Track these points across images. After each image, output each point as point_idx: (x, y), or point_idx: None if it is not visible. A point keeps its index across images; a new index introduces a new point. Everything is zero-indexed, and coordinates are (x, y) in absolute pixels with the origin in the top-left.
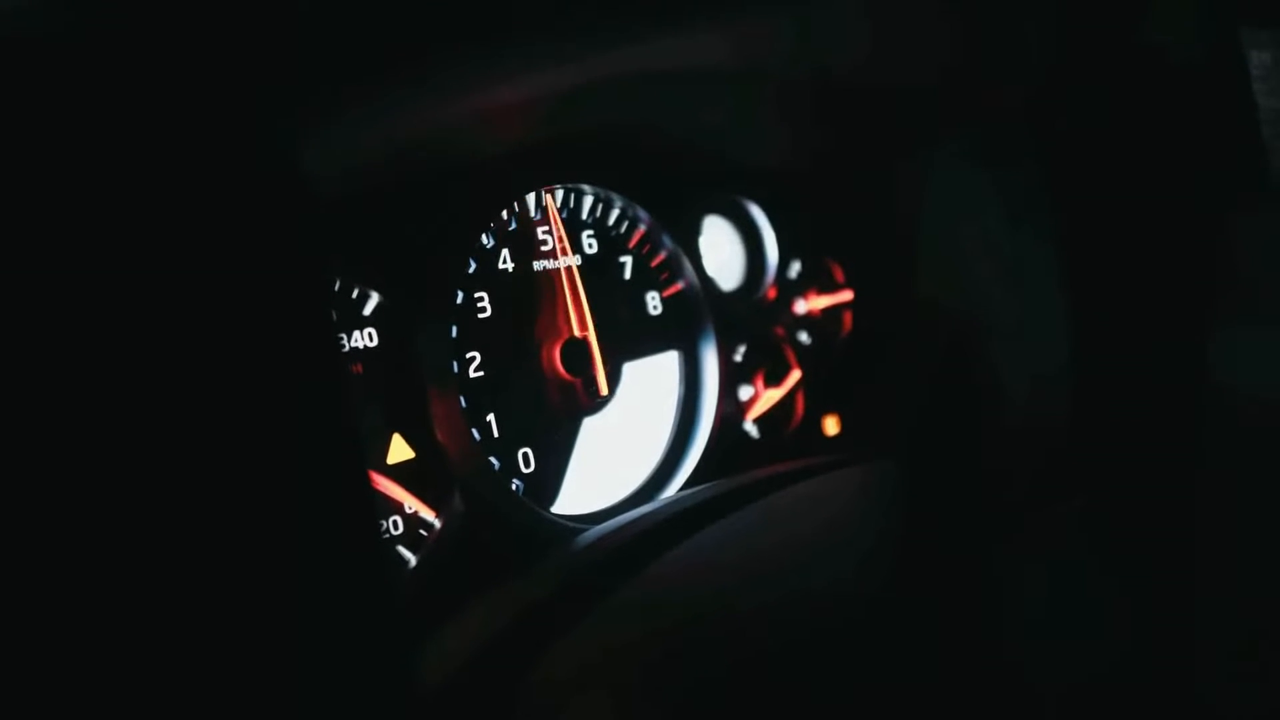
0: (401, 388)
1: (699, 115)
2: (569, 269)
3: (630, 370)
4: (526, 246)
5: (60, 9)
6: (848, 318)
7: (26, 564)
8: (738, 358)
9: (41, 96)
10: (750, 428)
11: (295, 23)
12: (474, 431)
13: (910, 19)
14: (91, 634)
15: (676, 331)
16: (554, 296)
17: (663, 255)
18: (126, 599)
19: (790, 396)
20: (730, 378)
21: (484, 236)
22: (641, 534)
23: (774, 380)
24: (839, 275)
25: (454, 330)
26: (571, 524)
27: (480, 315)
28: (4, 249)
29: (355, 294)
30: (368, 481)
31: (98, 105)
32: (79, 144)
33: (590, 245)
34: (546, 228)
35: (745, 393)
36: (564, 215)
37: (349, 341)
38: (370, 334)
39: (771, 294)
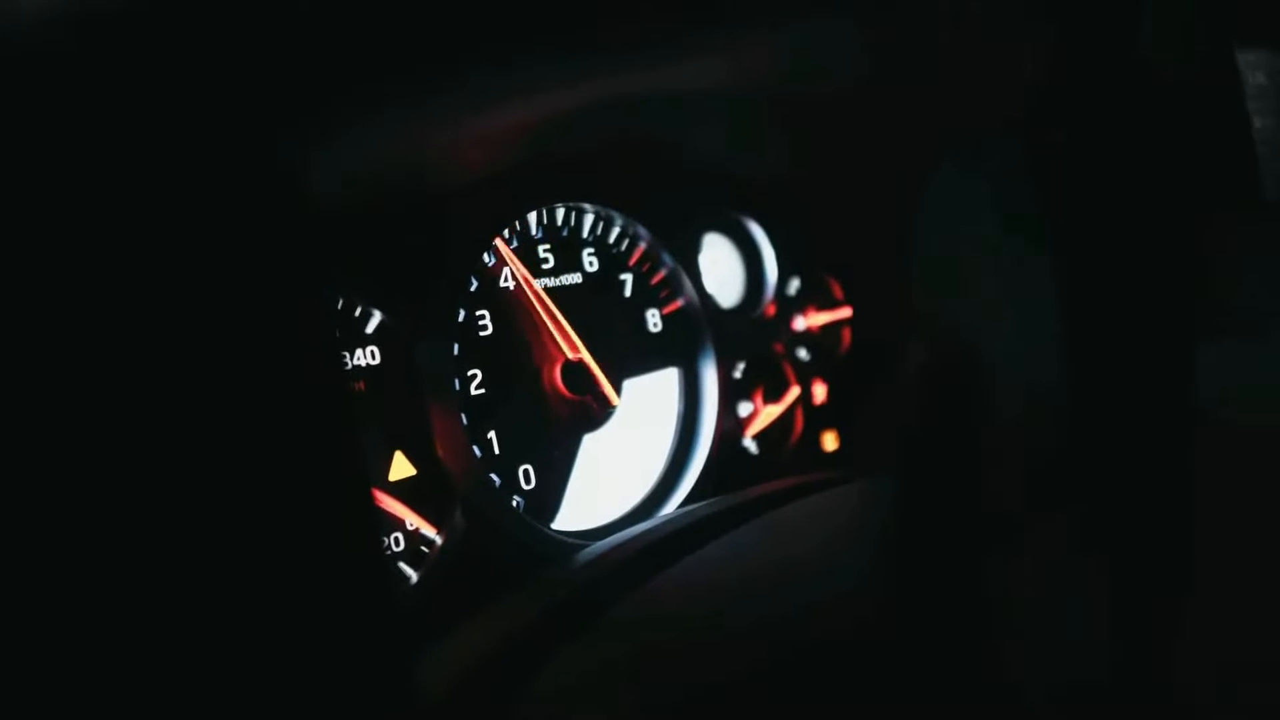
0: (403, 405)
1: (698, 133)
2: (566, 289)
3: (630, 387)
4: (528, 265)
5: (68, 21)
6: (846, 334)
7: (23, 578)
8: (737, 374)
9: (46, 108)
10: (749, 444)
11: (299, 39)
12: (475, 448)
13: (907, 37)
14: (90, 647)
15: (676, 348)
16: (553, 315)
17: (663, 273)
18: (126, 612)
19: (789, 413)
20: (729, 394)
21: (485, 254)
22: (641, 550)
23: (773, 396)
24: (838, 292)
25: (455, 348)
26: (571, 540)
27: (481, 333)
28: (6, 259)
29: (357, 312)
30: (370, 498)
31: (98, 118)
32: (80, 157)
33: (591, 263)
34: (548, 246)
35: (744, 409)
36: (564, 233)
37: (351, 359)
38: (372, 352)
39: (771, 311)
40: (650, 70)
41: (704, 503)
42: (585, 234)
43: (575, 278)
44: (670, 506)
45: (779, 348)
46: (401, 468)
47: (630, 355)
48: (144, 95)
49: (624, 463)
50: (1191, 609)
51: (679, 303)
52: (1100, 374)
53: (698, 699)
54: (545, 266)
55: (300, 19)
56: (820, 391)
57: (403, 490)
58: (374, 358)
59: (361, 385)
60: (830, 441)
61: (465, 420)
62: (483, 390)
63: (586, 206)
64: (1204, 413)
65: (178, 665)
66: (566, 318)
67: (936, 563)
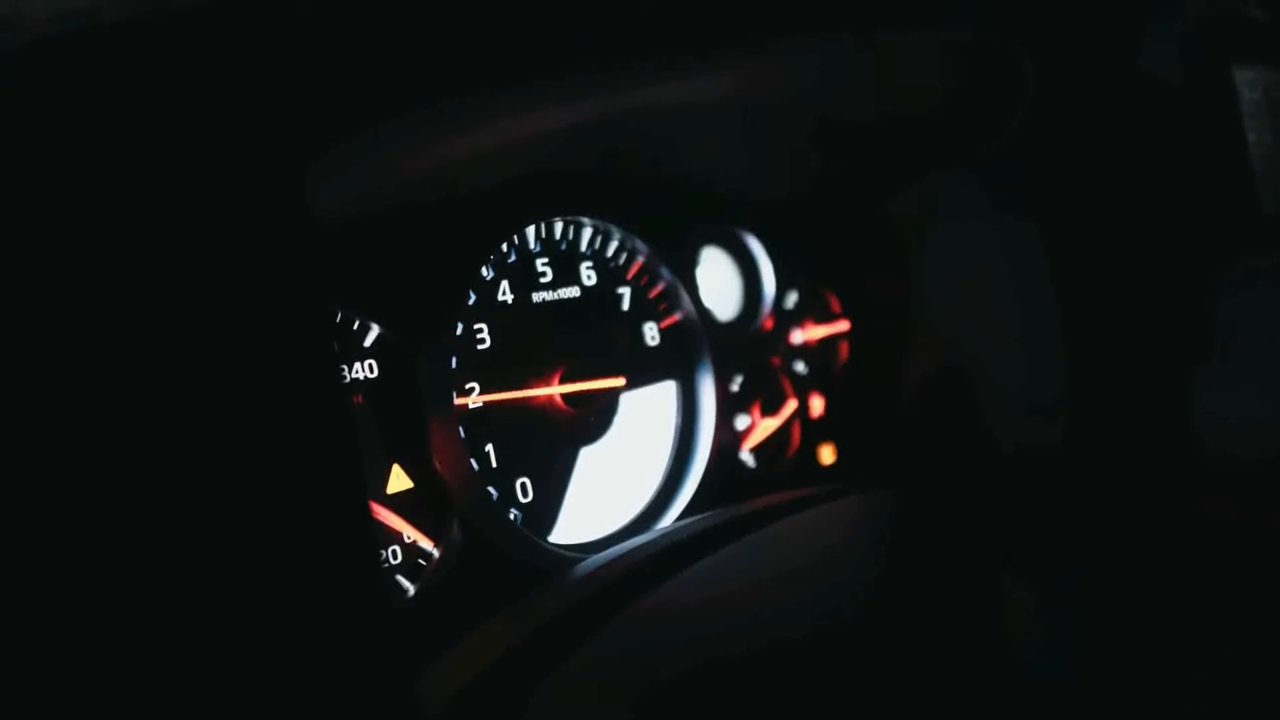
0: (401, 418)
1: (697, 148)
2: (563, 303)
3: (628, 400)
4: (525, 278)
5: (83, 44)
6: (844, 347)
7: (29, 598)
8: (735, 387)
9: (51, 132)
10: (747, 457)
11: (305, 60)
12: (472, 461)
13: (909, 58)
14: (93, 659)
15: (674, 362)
16: (551, 330)
17: (661, 286)
18: (127, 623)
19: (787, 426)
20: (727, 407)
21: (483, 268)
22: (638, 564)
23: (770, 410)
24: (835, 305)
25: (453, 361)
26: (569, 554)
27: (479, 346)
28: (22, 272)
29: (356, 325)
30: (368, 511)
31: (102, 132)
32: (84, 174)
33: (589, 277)
34: (546, 260)
35: (742, 422)
36: (562, 247)
37: (349, 373)
38: (370, 365)
39: (768, 324)
40: (650, 86)
41: (701, 516)
42: (583, 248)
43: (573, 291)
44: (668, 520)
45: (776, 361)
46: (399, 480)
47: (628, 368)
48: (153, 111)
49: (621, 476)
50: (1191, 629)
51: (677, 316)
52: (1098, 387)
53: (694, 712)
54: (543, 280)
55: (305, 39)
56: (817, 405)
57: (400, 503)
58: (372, 371)
59: (359, 398)
60: (828, 455)
61: (463, 433)
62: (480, 403)
63: (584, 220)
64: (1199, 429)
65: (176, 676)
66: (564, 330)
67: (933, 578)
